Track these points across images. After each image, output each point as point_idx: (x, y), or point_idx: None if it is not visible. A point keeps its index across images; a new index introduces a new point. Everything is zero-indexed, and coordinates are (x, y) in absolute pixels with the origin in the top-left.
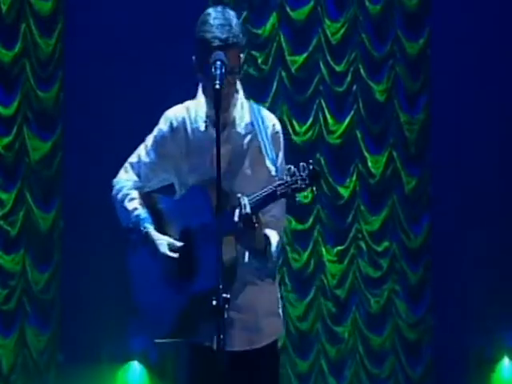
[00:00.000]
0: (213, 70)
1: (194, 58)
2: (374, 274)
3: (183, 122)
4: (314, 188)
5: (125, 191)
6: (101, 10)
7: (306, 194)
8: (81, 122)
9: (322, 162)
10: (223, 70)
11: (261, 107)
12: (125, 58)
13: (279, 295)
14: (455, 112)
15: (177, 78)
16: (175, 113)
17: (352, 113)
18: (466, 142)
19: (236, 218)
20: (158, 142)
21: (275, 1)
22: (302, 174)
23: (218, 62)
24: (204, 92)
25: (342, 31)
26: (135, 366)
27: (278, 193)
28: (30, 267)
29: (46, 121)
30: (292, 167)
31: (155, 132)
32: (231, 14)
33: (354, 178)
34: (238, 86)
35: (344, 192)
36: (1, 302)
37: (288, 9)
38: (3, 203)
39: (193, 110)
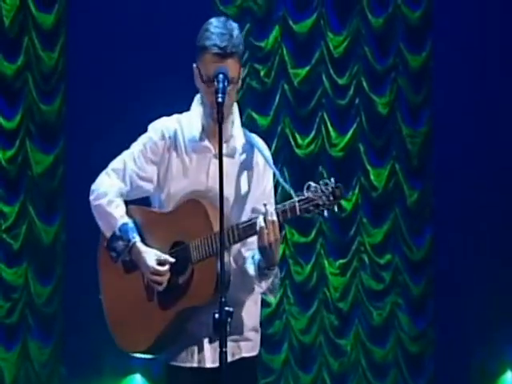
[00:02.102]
0: (215, 83)
1: (194, 65)
2: (376, 286)
3: (175, 133)
4: (336, 206)
5: (110, 197)
6: (103, 23)
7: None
8: (83, 135)
9: (325, 174)
10: (226, 84)
11: (253, 134)
12: (127, 72)
13: (259, 314)
14: (458, 125)
15: (181, 90)
16: (165, 124)
17: (354, 126)
18: (468, 155)
19: (262, 224)
20: (147, 151)
21: (277, 13)
22: (324, 190)
23: (221, 75)
24: (202, 100)
25: (345, 44)
26: (137, 379)
27: (298, 208)
28: (33, 280)
29: (49, 134)
30: (312, 184)
31: (144, 140)
32: (233, 25)
33: (357, 190)
34: (235, 106)
35: (346, 205)
36: (3, 315)
37: (290, 22)
38: (6, 216)
39: (185, 122)
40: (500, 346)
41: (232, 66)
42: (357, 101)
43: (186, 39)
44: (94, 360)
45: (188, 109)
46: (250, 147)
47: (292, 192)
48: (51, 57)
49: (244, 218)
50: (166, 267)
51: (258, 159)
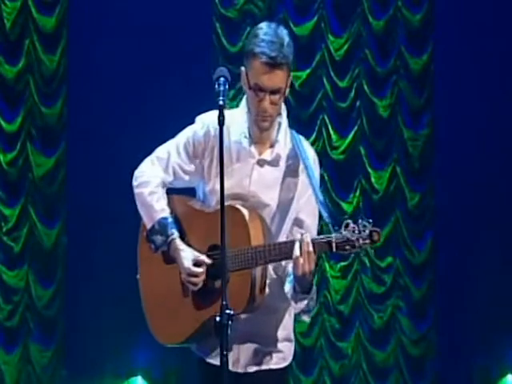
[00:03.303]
0: (216, 86)
1: (242, 68)
2: (377, 289)
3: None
4: (372, 249)
5: (152, 188)
6: (104, 25)
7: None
8: (84, 138)
9: (326, 177)
10: (227, 86)
11: (301, 137)
12: (129, 74)
13: (293, 322)
14: (459, 127)
15: (183, 92)
16: (213, 119)
17: (355, 128)
18: (469, 158)
19: (297, 253)
20: (191, 144)
21: (278, 16)
22: (362, 232)
23: (222, 79)
24: (247, 105)
25: (346, 47)
26: (139, 382)
27: (335, 246)
28: (34, 283)
29: (50, 137)
30: (351, 223)
31: (189, 133)
32: (284, 32)
33: (358, 193)
34: (283, 108)
35: (347, 207)
36: (4, 318)
37: (291, 24)
38: (7, 219)
39: (232, 121)
40: (501, 348)
41: (280, 77)
42: (358, 103)
43: (186, 42)
44: (95, 363)
45: (189, 111)
46: (296, 153)
47: (326, 216)
48: (52, 60)
49: (285, 227)
50: (202, 269)
51: (309, 166)
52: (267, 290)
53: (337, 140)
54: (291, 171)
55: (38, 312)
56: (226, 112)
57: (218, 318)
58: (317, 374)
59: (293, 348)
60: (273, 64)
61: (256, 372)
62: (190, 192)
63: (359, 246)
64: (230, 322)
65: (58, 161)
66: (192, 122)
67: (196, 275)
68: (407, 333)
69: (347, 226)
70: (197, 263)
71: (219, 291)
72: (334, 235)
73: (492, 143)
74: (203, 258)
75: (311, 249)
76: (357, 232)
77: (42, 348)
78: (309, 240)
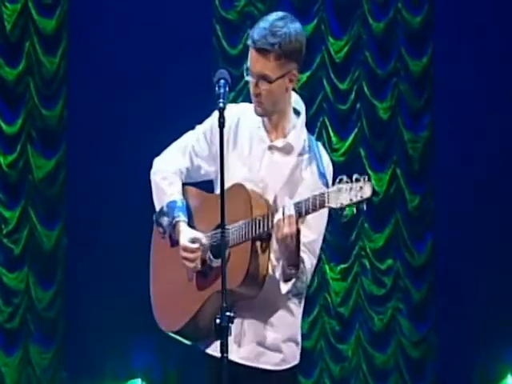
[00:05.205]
0: (216, 88)
1: None
2: (377, 291)
3: (238, 122)
4: (365, 205)
5: (166, 174)
6: (104, 27)
7: (353, 208)
8: (84, 140)
9: None
10: (227, 89)
11: (319, 143)
12: (129, 76)
13: (300, 326)
14: (459, 130)
15: (182, 96)
16: (231, 111)
17: (355, 131)
18: (469, 160)
19: (280, 216)
20: (209, 131)
21: None
22: (355, 185)
23: (222, 81)
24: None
25: (346, 49)
26: None
27: (327, 196)
28: (34, 285)
29: (50, 139)
30: (344, 177)
31: (207, 124)
32: (285, 22)
33: None
34: (302, 108)
35: (347, 209)
36: (4, 320)
37: None
38: (7, 221)
39: (249, 113)
40: (501, 350)
41: (263, 64)
42: (358, 106)
43: (186, 44)
44: (96, 364)
45: (190, 114)
46: (310, 153)
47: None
48: (52, 61)
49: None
50: (197, 245)
51: (315, 169)
52: (270, 271)
53: (337, 142)
54: (302, 166)
55: (39, 314)
56: (246, 105)
57: (218, 320)
58: (317, 376)
59: (298, 351)
60: (256, 48)
61: (254, 369)
62: (209, 187)
63: (350, 199)
64: (230, 324)
65: (58, 163)
66: (192, 123)
67: (191, 251)
68: (407, 335)
69: (341, 180)
70: (193, 240)
71: (219, 269)
72: (327, 190)
73: (492, 144)
74: (200, 235)
75: (292, 212)
76: (349, 184)
77: (42, 350)
78: (290, 205)
